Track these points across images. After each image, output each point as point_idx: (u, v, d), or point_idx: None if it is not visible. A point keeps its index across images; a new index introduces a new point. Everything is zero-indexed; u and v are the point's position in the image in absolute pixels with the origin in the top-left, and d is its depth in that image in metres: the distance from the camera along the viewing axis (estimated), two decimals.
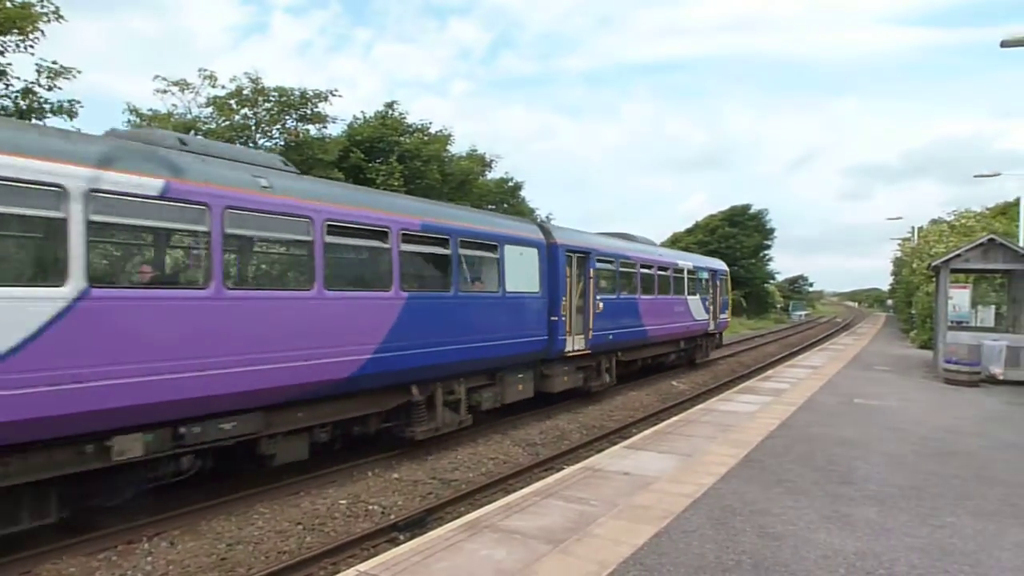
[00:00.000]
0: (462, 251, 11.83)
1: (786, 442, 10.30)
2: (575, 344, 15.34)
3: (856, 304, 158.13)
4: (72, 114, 16.30)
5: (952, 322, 21.60)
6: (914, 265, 37.22)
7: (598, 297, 16.23)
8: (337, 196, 9.71)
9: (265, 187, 8.48)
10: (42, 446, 6.60)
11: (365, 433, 10.64)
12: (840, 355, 26.64)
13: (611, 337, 16.98)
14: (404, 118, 27.94)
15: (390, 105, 27.79)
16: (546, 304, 14.28)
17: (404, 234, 10.46)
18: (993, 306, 29.14)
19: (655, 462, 8.94)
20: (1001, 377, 18.06)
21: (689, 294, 23.39)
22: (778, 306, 71.92)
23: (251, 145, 23.13)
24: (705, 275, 25.47)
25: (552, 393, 15.13)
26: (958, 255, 18.85)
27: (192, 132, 22.13)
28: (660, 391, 19.91)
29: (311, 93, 23.65)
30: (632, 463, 8.89)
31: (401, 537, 8.10)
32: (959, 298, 25.75)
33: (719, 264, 28.79)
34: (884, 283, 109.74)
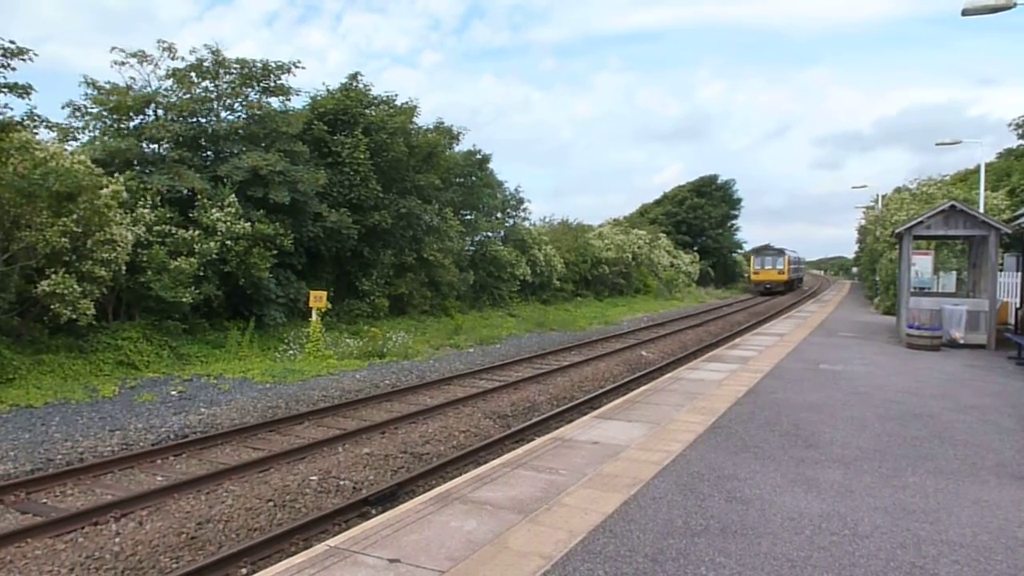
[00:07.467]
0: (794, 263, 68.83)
1: (753, 408, 10.44)
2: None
3: (822, 272, 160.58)
4: (27, 92, 15.70)
5: (914, 288, 21.99)
6: (878, 233, 37.75)
7: (792, 266, 65.60)
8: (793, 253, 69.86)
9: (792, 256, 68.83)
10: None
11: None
12: (806, 322, 27.03)
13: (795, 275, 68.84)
14: (369, 90, 27.45)
15: (354, 76, 27.25)
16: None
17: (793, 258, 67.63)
18: (954, 272, 29.77)
19: (624, 431, 9.01)
20: (961, 341, 18.46)
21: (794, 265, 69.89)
22: (745, 275, 73.36)
23: (213, 118, 22.61)
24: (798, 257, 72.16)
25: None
26: (920, 222, 19.10)
27: (152, 105, 21.53)
28: (629, 361, 20.07)
29: (274, 65, 23.10)
30: (601, 432, 8.94)
31: (373, 511, 8.11)
32: (921, 264, 26.23)
33: (797, 253, 74.38)
34: (850, 251, 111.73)
